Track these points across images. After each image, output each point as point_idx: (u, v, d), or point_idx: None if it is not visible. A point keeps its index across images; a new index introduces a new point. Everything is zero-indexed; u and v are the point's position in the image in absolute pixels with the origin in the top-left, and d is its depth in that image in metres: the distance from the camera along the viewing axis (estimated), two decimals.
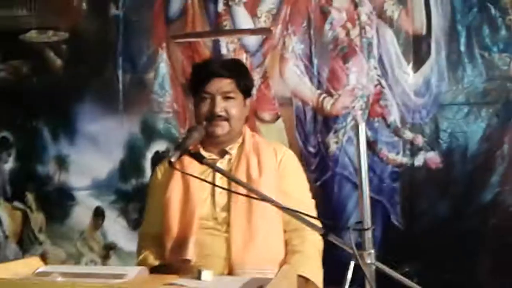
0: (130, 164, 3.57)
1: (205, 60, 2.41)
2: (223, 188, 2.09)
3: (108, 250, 3.54)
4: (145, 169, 3.54)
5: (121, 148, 3.56)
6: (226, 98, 2.18)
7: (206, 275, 1.53)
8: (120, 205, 3.58)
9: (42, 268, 1.58)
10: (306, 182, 2.32)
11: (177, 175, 2.20)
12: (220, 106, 2.16)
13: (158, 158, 3.50)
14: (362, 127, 1.63)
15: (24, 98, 3.70)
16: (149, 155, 3.54)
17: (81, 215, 3.60)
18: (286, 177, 2.23)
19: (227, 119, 2.18)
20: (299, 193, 2.23)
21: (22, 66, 3.73)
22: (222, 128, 2.18)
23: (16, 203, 3.68)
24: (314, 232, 2.12)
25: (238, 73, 2.23)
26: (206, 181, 2.04)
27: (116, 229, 3.56)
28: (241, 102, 2.23)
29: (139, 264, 2.15)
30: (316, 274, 2.11)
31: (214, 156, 2.22)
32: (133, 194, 3.56)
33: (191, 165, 2.12)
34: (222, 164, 2.20)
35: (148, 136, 3.55)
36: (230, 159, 2.23)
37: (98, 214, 3.58)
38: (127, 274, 1.50)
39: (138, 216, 3.53)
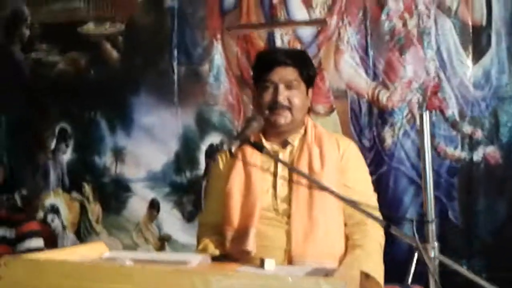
0: (185, 156, 3.59)
1: (269, 49, 2.39)
2: (292, 169, 2.07)
3: (163, 242, 3.58)
4: (199, 161, 3.56)
5: (176, 140, 3.59)
6: (289, 87, 2.15)
7: (269, 264, 1.53)
8: (175, 197, 3.61)
9: (108, 253, 1.60)
10: (368, 175, 2.28)
11: (238, 165, 2.19)
12: (283, 95, 2.14)
13: (212, 151, 3.51)
14: (427, 116, 1.59)
15: (82, 89, 3.76)
16: (204, 147, 3.56)
17: (136, 206, 3.65)
18: (348, 170, 2.19)
19: (289, 109, 2.15)
20: (361, 186, 2.20)
21: (80, 58, 3.79)
22: (284, 118, 2.15)
23: (74, 194, 3.75)
24: (376, 227, 2.09)
25: (302, 62, 2.20)
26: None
27: (171, 221, 3.59)
28: (304, 91, 2.20)
29: (199, 252, 2.15)
30: (377, 269, 2.07)
31: (275, 146, 2.21)
32: (188, 186, 3.59)
33: (253, 156, 2.13)
34: (284, 155, 2.19)
35: (202, 128, 3.56)
36: (292, 150, 2.21)
37: (153, 206, 3.62)
38: (191, 261, 1.51)
39: (193, 209, 3.56)
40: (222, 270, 1.51)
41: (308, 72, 2.21)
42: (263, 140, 2.17)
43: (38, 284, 1.34)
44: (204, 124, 3.56)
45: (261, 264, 1.62)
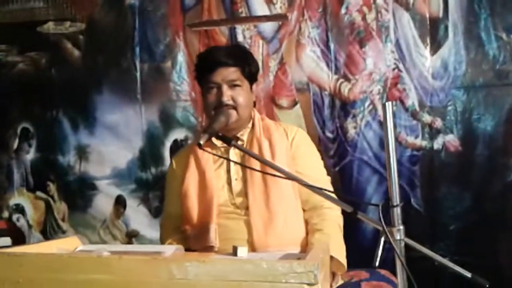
0: (149, 152, 3.60)
1: (209, 49, 2.40)
2: (245, 166, 2.12)
3: (131, 238, 3.58)
4: (164, 157, 3.57)
5: (140, 137, 3.60)
6: (232, 86, 2.19)
7: (242, 251, 1.57)
8: (141, 193, 3.62)
9: (82, 246, 1.61)
10: (320, 159, 2.35)
11: (192, 166, 2.25)
12: (227, 95, 2.18)
13: (177, 146, 3.53)
14: (389, 105, 1.65)
15: (43, 89, 3.73)
16: (168, 143, 3.57)
17: (102, 203, 3.65)
18: (299, 157, 2.26)
19: (234, 107, 2.19)
20: (314, 171, 2.26)
21: (41, 58, 3.76)
22: (231, 117, 2.19)
23: (39, 193, 3.73)
24: (333, 208, 2.16)
25: (243, 60, 2.24)
26: (224, 158, 2.09)
27: (138, 217, 3.60)
28: (247, 88, 2.25)
29: None
30: (339, 250, 2.14)
31: (225, 144, 2.25)
32: (153, 183, 3.60)
33: (205, 155, 2.18)
34: (234, 150, 2.24)
35: (166, 124, 3.58)
36: (242, 145, 2.25)
37: (120, 203, 3.62)
38: (165, 251, 1.54)
39: (159, 204, 3.57)
40: (198, 257, 1.54)
41: (250, 69, 2.25)
42: (213, 139, 2.18)
43: (16, 277, 1.35)
44: (168, 120, 3.58)
45: (234, 252, 1.66)
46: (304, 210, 2.22)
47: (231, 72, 2.19)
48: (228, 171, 2.22)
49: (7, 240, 2.55)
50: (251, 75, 2.27)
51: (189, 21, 3.57)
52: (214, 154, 2.13)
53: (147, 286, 1.35)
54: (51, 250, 1.54)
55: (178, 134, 3.56)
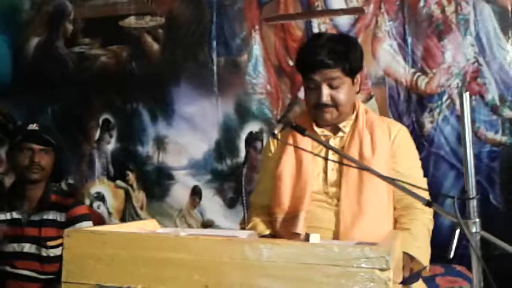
0: (225, 144, 3.66)
1: (311, 45, 2.24)
2: (337, 162, 2.12)
3: (206, 227, 3.65)
4: (239, 149, 3.63)
5: (216, 129, 3.66)
6: (332, 85, 2.15)
7: (314, 238, 1.58)
8: (216, 184, 3.68)
9: (161, 229, 1.68)
10: (419, 161, 2.29)
11: (289, 150, 2.23)
12: (326, 94, 2.15)
13: (252, 138, 3.58)
14: (467, 96, 1.61)
15: (124, 82, 3.86)
16: (243, 135, 3.62)
17: (179, 193, 3.73)
18: (399, 156, 2.21)
19: (334, 106, 2.17)
20: (411, 171, 2.20)
21: (122, 51, 3.89)
22: (330, 114, 2.18)
23: (119, 182, 3.86)
24: (425, 211, 2.12)
25: (344, 59, 2.15)
26: (313, 153, 2.08)
27: (213, 207, 3.67)
28: (349, 84, 2.19)
29: None
30: (423, 253, 2.09)
31: (326, 133, 2.24)
32: (228, 174, 3.66)
33: (304, 140, 2.17)
34: (335, 141, 2.23)
35: (242, 117, 3.63)
36: (342, 136, 2.24)
37: (196, 193, 3.70)
38: (239, 235, 1.58)
39: (234, 195, 3.63)
40: (272, 240, 1.57)
41: (351, 66, 2.18)
42: (314, 126, 2.21)
43: (99, 253, 1.43)
44: (243, 113, 3.63)
45: (307, 239, 1.68)
46: (395, 209, 2.20)
47: (331, 72, 2.14)
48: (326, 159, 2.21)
49: (89, 225, 2.65)
50: (353, 71, 2.19)
51: (266, 15, 3.61)
52: (314, 139, 2.08)
53: (222, 266, 1.39)
54: (131, 230, 1.61)
55: (253, 126, 3.60)
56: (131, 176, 3.83)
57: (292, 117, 2.13)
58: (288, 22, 3.56)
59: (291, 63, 3.53)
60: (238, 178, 3.61)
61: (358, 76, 2.25)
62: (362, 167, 1.97)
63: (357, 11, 3.43)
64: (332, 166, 2.19)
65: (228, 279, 1.38)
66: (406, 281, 1.89)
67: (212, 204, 3.68)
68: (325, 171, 2.20)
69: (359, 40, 3.36)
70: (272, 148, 2.35)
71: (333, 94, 2.16)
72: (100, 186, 3.89)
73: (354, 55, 2.21)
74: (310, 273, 1.36)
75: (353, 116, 2.26)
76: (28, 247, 2.64)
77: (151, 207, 3.77)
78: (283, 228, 2.16)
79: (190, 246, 1.40)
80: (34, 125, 2.71)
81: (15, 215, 2.69)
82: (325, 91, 2.15)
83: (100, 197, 3.85)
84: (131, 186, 3.83)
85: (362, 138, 2.20)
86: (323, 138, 2.22)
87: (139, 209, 3.79)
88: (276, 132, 2.02)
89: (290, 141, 2.24)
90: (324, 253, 1.35)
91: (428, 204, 1.74)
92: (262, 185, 2.37)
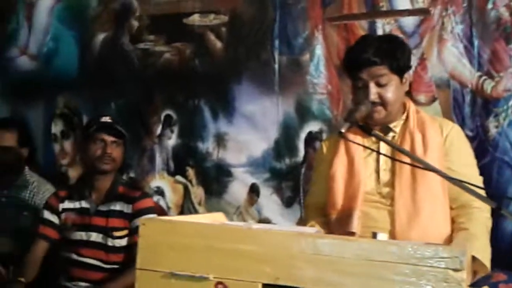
0: (284, 143, 3.66)
1: (357, 44, 2.30)
2: (391, 158, 2.11)
3: None
4: (298, 148, 3.63)
5: (276, 128, 3.67)
6: (380, 83, 2.15)
7: (382, 237, 1.58)
8: (274, 183, 3.68)
9: (230, 222, 1.70)
10: (473, 158, 2.27)
11: (341, 151, 2.26)
12: (374, 93, 2.15)
13: (311, 138, 3.58)
14: None
15: (186, 78, 3.91)
16: (303, 135, 3.62)
17: (237, 190, 3.75)
18: (452, 153, 2.20)
19: (382, 104, 2.17)
20: (466, 169, 2.20)
21: (185, 48, 3.93)
22: (378, 113, 2.18)
23: (178, 177, 3.91)
24: (483, 210, 2.09)
25: (391, 57, 2.17)
26: (372, 149, 2.08)
27: (270, 205, 3.68)
28: (397, 82, 2.19)
29: None
30: (484, 252, 2.07)
31: (377, 133, 2.24)
32: (287, 173, 3.65)
33: (356, 141, 2.18)
34: None
35: (302, 116, 3.62)
36: (393, 136, 2.24)
37: (253, 191, 3.72)
38: (307, 231, 1.58)
39: (291, 194, 3.63)
40: (344, 236, 1.57)
41: (399, 63, 2.18)
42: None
43: (172, 242, 1.46)
44: (303, 113, 3.62)
45: (374, 237, 1.67)
46: (451, 208, 2.18)
47: (378, 70, 2.15)
48: (377, 160, 2.21)
49: None
50: (400, 69, 2.20)
51: (329, 15, 3.60)
52: (360, 145, 2.12)
53: (292, 260, 1.40)
54: (202, 221, 1.64)
55: (313, 126, 3.60)
56: (190, 172, 3.88)
57: (358, 116, 2.11)
58: (351, 22, 3.54)
59: None
60: (296, 178, 3.62)
61: (407, 76, 2.24)
62: (430, 168, 1.95)
63: (423, 12, 3.38)
64: (384, 167, 2.20)
65: (299, 272, 1.39)
66: (475, 284, 1.87)
67: (269, 202, 3.69)
68: (377, 172, 2.20)
69: (424, 41, 3.34)
70: (325, 150, 2.37)
71: (380, 92, 2.15)
72: (160, 180, 3.95)
73: (401, 53, 2.21)
74: (381, 271, 1.36)
75: (404, 116, 2.25)
76: (95, 236, 2.71)
77: (209, 203, 3.81)
78: (338, 228, 2.18)
79: (261, 238, 1.42)
80: (108, 117, 2.79)
81: (84, 204, 2.77)
82: (373, 89, 2.15)
83: (160, 192, 3.91)
84: (190, 181, 3.88)
85: (413, 137, 2.19)
86: (373, 139, 2.22)
87: (197, 204, 3.84)
88: (343, 130, 2.02)
89: (342, 144, 2.25)
90: (397, 251, 1.34)
91: (497, 208, 1.72)
92: (315, 186, 2.39)
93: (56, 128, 4.20)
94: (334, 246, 1.38)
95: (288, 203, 3.65)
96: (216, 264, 1.43)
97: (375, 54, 2.15)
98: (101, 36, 4.15)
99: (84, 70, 4.17)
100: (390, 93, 2.16)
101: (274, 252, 1.40)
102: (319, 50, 3.61)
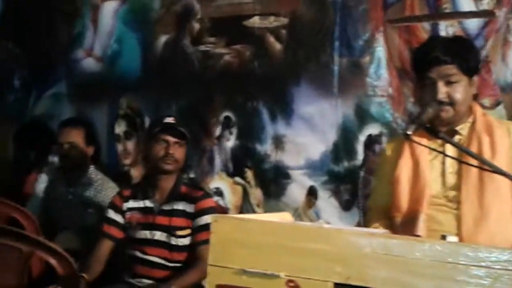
0: (343, 146, 3.65)
1: (426, 43, 2.30)
2: (458, 160, 2.08)
3: None
4: (357, 151, 3.61)
5: (334, 130, 3.66)
6: (449, 83, 2.12)
7: (452, 239, 1.56)
8: (332, 186, 3.67)
9: (299, 222, 1.71)
10: None
11: (406, 153, 2.23)
12: (442, 92, 2.11)
13: (371, 141, 3.55)
14: None
15: (246, 80, 3.94)
16: (362, 138, 3.60)
17: (295, 193, 3.75)
18: None
19: (450, 104, 2.14)
20: None
21: (245, 51, 3.97)
22: (446, 113, 2.15)
23: (237, 178, 3.94)
24: None
25: (461, 56, 2.14)
26: (439, 151, 2.05)
27: (328, 208, 3.67)
28: (466, 83, 2.15)
29: None
30: None
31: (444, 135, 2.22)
32: (345, 176, 3.64)
33: (422, 143, 2.15)
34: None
35: (361, 119, 3.60)
36: (460, 139, 2.21)
37: (312, 193, 3.71)
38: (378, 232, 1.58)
39: (350, 198, 3.61)
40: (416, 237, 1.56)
41: (469, 64, 2.15)
42: None
43: (245, 240, 1.47)
44: (363, 115, 3.60)
45: (443, 239, 1.65)
46: None
47: (448, 69, 2.12)
48: (443, 162, 2.18)
49: None
50: (470, 70, 2.16)
51: (390, 16, 3.57)
52: (426, 146, 2.10)
53: (363, 259, 1.40)
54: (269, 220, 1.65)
55: (373, 129, 3.57)
56: (249, 173, 3.91)
57: (425, 119, 2.09)
58: (413, 24, 3.50)
59: None
60: (355, 181, 3.60)
61: (475, 78, 2.20)
62: (499, 171, 1.91)
63: (488, 15, 3.32)
64: (450, 169, 2.16)
65: (370, 272, 1.38)
66: None
67: (327, 205, 3.68)
68: (443, 175, 2.17)
69: (489, 44, 3.28)
70: (389, 152, 2.35)
71: (449, 92, 2.12)
72: (219, 181, 3.99)
73: (471, 54, 2.19)
74: (454, 273, 1.35)
75: (470, 119, 2.21)
76: (159, 235, 2.76)
77: (268, 205, 3.82)
78: (403, 231, 2.15)
79: (333, 238, 1.42)
80: (171, 118, 2.84)
81: (148, 203, 2.82)
82: (442, 88, 2.12)
83: (219, 193, 3.95)
84: (249, 183, 3.90)
85: (481, 140, 2.15)
86: (438, 142, 2.19)
87: (256, 206, 3.86)
88: (409, 132, 2.01)
89: (407, 146, 2.23)
90: (471, 253, 1.33)
91: None
92: (379, 189, 2.37)
93: (120, 128, 4.30)
94: (406, 247, 1.37)
95: (346, 206, 3.63)
96: (287, 262, 1.44)
97: (446, 53, 2.12)
98: (163, 38, 4.22)
99: (147, 72, 4.25)
100: (459, 93, 2.13)
101: (346, 251, 1.40)
102: (380, 52, 3.58)
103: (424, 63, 2.16)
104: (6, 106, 4.72)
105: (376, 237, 1.40)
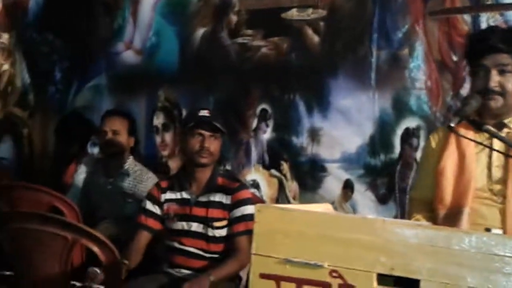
0: (380, 139, 3.63)
1: (484, 30, 2.32)
2: (506, 154, 2.05)
3: None
4: (394, 145, 3.58)
5: (371, 123, 3.64)
6: (502, 72, 2.10)
7: (497, 232, 1.54)
8: (368, 179, 3.66)
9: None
10: None
11: (452, 145, 2.20)
12: (495, 80, 2.09)
13: (408, 135, 3.53)
14: None
15: (282, 73, 3.94)
16: (399, 131, 3.57)
17: (331, 186, 3.75)
18: None
19: (501, 94, 2.11)
20: None
21: (283, 43, 3.96)
22: (495, 102, 2.12)
23: (273, 171, 3.95)
24: None
25: None
26: (485, 145, 2.03)
27: (365, 202, 3.65)
28: None
29: None
30: None
31: (491, 128, 2.19)
32: (382, 169, 3.62)
33: (468, 136, 2.12)
34: None
35: (399, 112, 3.58)
36: (508, 133, 2.17)
37: (348, 186, 3.70)
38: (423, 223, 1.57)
39: (386, 191, 3.59)
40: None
41: None
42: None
43: (288, 229, 1.48)
44: (401, 108, 3.58)
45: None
46: None
47: (503, 58, 2.10)
48: (490, 156, 2.16)
49: (253, 209, 2.72)
50: None
51: (430, 9, 3.53)
52: (472, 140, 2.07)
53: (408, 251, 1.39)
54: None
55: (410, 122, 3.54)
56: (285, 166, 3.91)
57: (469, 111, 2.07)
58: (454, 16, 3.46)
59: (455, 58, 3.43)
60: (391, 175, 3.58)
61: None
62: None
63: None
64: (496, 163, 2.13)
65: (415, 263, 1.38)
66: None
67: (364, 198, 3.66)
68: (489, 168, 2.14)
69: None
70: (433, 144, 2.32)
71: (501, 81, 2.10)
72: (255, 174, 4.00)
73: None
74: (501, 265, 1.33)
75: None
76: (195, 226, 2.78)
77: (304, 198, 3.83)
78: (446, 224, 2.12)
79: (377, 228, 1.42)
80: (206, 111, 2.84)
81: (185, 195, 2.84)
82: (495, 77, 2.09)
83: (255, 185, 3.96)
84: (285, 175, 3.91)
85: None
86: (486, 134, 2.15)
87: (292, 198, 3.86)
88: (453, 124, 1.99)
89: (452, 138, 2.20)
90: None
91: None
92: (422, 180, 2.34)
93: (158, 120, 4.35)
94: (451, 239, 1.36)
95: (382, 200, 3.61)
96: (330, 252, 1.44)
97: (502, 41, 2.10)
98: (200, 31, 4.24)
99: (184, 65, 4.28)
100: (511, 84, 2.11)
101: (390, 242, 1.40)
102: (419, 45, 3.55)
103: (479, 49, 2.14)
104: (48, 98, 4.82)
105: (422, 228, 1.39)
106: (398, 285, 1.43)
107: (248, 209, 2.74)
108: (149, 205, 2.87)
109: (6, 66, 4.93)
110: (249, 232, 2.57)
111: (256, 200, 3.05)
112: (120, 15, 4.55)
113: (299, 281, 1.45)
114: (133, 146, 3.62)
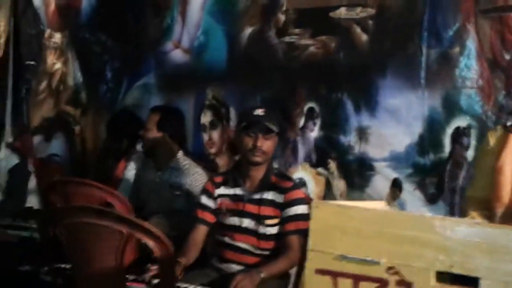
0: (429, 138, 3.59)
1: None
2: None
3: None
4: (444, 144, 3.54)
5: (420, 122, 3.60)
6: None
7: None
8: (417, 178, 3.62)
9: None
10: None
11: (510, 144, 2.19)
12: None
13: (458, 134, 3.48)
14: None
15: (330, 71, 3.93)
16: (449, 130, 3.53)
17: (380, 184, 3.72)
18: None
19: None
20: None
21: (331, 42, 3.96)
22: None
23: (320, 169, 3.95)
24: None
25: None
26: None
27: (413, 201, 3.62)
28: None
29: None
30: None
31: None
32: (431, 169, 3.58)
33: None
34: None
35: (449, 111, 3.54)
36: None
37: (396, 185, 3.67)
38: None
39: (435, 191, 3.55)
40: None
41: None
42: None
43: (345, 226, 1.49)
44: (451, 107, 3.53)
45: None
46: None
47: None
48: None
49: (305, 209, 2.73)
50: None
51: (483, 6, 3.47)
52: None
53: (467, 249, 1.39)
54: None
55: (461, 121, 3.50)
56: (332, 165, 3.90)
57: None
58: (507, 14, 3.40)
59: (507, 57, 3.38)
60: (441, 174, 3.54)
61: None
62: None
63: None
64: None
65: (474, 262, 1.37)
66: None
67: (412, 198, 3.63)
68: None
69: None
70: (491, 142, 2.30)
71: None
72: (302, 172, 4.01)
73: None
74: None
75: None
76: (247, 223, 2.80)
77: (351, 196, 3.80)
78: (504, 223, 2.10)
79: (435, 226, 1.41)
80: (260, 110, 2.85)
81: (238, 191, 2.87)
82: None
83: (302, 183, 3.96)
84: (332, 174, 3.90)
85: None
86: None
87: (339, 197, 3.85)
88: (508, 124, 1.97)
89: (510, 137, 2.18)
90: None
91: None
92: (479, 179, 2.33)
93: (205, 118, 4.39)
94: (511, 236, 1.36)
95: (431, 199, 3.57)
96: (387, 249, 1.45)
97: None
98: (248, 30, 4.27)
99: (232, 63, 4.32)
100: None
101: (449, 240, 1.40)
102: (470, 43, 3.49)
103: None
104: (99, 96, 4.92)
105: (481, 227, 1.38)
106: (455, 283, 1.43)
107: (300, 208, 2.75)
108: (204, 199, 2.91)
109: (58, 65, 5.06)
110: (300, 232, 2.60)
111: (309, 200, 3.05)
112: (169, 14, 4.61)
113: (356, 277, 1.46)
114: (180, 142, 3.65)
